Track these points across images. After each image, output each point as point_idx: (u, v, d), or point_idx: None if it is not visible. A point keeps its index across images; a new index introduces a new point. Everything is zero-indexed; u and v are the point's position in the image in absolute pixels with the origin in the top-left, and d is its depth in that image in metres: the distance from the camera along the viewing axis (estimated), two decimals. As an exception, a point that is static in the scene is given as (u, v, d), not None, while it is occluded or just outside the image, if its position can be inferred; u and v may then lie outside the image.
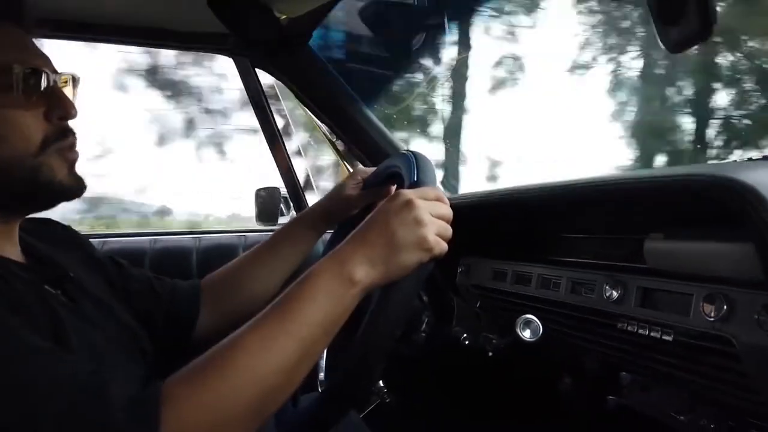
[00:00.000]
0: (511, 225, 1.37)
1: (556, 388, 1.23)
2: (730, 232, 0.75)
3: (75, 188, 0.77)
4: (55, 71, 0.77)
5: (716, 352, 0.79)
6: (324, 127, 1.60)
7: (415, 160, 0.82)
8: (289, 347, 0.63)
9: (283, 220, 1.76)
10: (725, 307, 0.77)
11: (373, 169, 1.07)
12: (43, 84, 0.73)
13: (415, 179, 0.78)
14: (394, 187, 1.05)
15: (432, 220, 0.70)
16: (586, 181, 0.98)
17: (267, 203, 1.77)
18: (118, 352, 0.80)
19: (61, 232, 0.96)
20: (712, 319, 0.78)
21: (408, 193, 0.72)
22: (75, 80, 0.81)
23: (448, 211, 0.73)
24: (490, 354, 1.10)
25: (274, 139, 1.70)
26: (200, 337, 1.05)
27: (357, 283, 0.67)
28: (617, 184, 0.90)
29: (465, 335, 1.09)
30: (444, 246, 0.71)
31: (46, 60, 0.76)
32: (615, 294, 0.96)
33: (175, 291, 1.04)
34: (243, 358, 0.62)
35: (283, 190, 1.78)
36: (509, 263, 1.28)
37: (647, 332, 0.89)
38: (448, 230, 0.73)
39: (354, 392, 0.72)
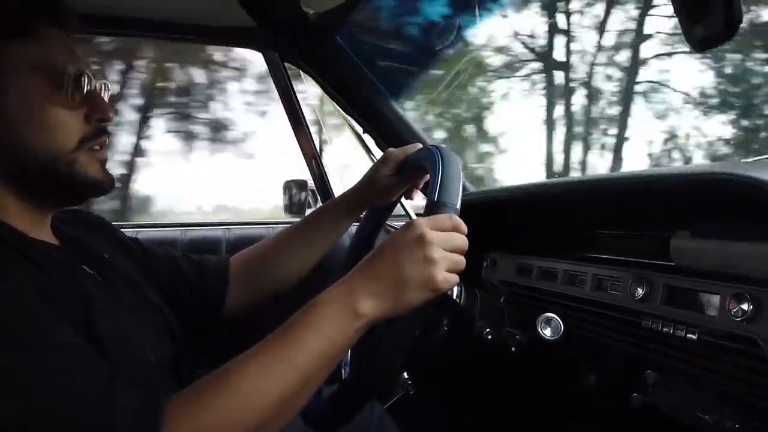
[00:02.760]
0: (538, 221, 1.36)
1: (579, 385, 1.22)
2: (758, 231, 0.74)
3: (106, 184, 0.81)
4: (95, 76, 0.80)
5: (742, 352, 0.78)
6: (352, 121, 1.61)
7: (441, 167, 0.81)
8: (290, 376, 0.65)
9: (310, 212, 1.78)
10: (751, 307, 0.76)
11: (403, 149, 1.06)
12: (87, 87, 0.77)
13: (435, 199, 0.77)
14: (425, 179, 1.05)
15: (443, 257, 0.70)
16: (613, 177, 0.97)
17: (295, 195, 1.80)
18: (150, 333, 0.83)
19: (92, 219, 1.00)
20: (738, 319, 0.77)
21: (422, 224, 0.71)
22: (108, 87, 0.85)
23: (462, 243, 0.73)
24: (513, 349, 1.10)
25: (302, 133, 1.72)
26: (229, 315, 1.08)
27: (362, 317, 0.68)
28: (644, 182, 0.89)
29: (488, 330, 1.09)
30: (453, 281, 0.72)
31: (88, 65, 0.80)
32: (640, 291, 0.95)
33: (203, 268, 1.07)
34: (244, 384, 0.63)
35: (311, 183, 1.80)
36: (535, 259, 1.27)
37: (672, 331, 0.88)
38: (461, 264, 0.73)
39: (353, 408, 0.77)
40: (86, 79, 0.77)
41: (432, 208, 0.76)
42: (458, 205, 0.76)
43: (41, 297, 0.65)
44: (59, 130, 0.75)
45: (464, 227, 0.74)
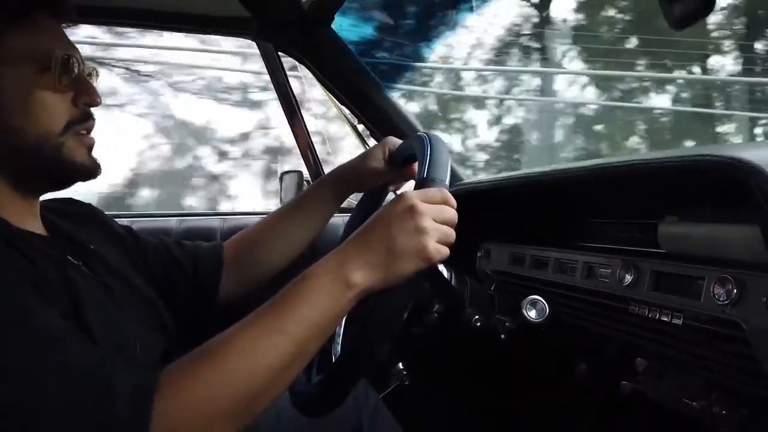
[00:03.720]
0: (530, 209, 1.36)
1: (570, 374, 1.23)
2: (743, 213, 0.74)
3: (92, 169, 0.82)
4: (83, 61, 0.81)
5: (726, 336, 0.78)
6: (346, 110, 1.61)
7: (429, 149, 0.81)
8: (283, 345, 0.64)
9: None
10: (735, 290, 0.75)
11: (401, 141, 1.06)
12: (75, 71, 0.78)
13: (425, 175, 0.78)
14: (415, 166, 1.05)
15: (434, 227, 0.70)
16: (599, 163, 0.97)
17: (291, 186, 1.80)
18: (138, 324, 0.83)
19: (83, 209, 0.99)
20: (722, 303, 0.77)
21: (412, 196, 0.71)
22: (97, 73, 0.85)
23: (452, 215, 0.73)
24: (503, 337, 1.10)
25: (297, 123, 1.72)
26: (224, 301, 1.07)
27: (354, 287, 0.68)
28: (630, 166, 0.89)
29: (477, 317, 1.09)
30: (444, 253, 0.71)
31: (76, 50, 0.81)
32: (628, 278, 0.95)
33: (196, 255, 1.07)
34: (236, 353, 0.63)
35: (306, 174, 1.80)
36: (527, 248, 1.27)
37: (658, 316, 0.88)
38: (451, 236, 0.72)
39: (344, 387, 0.76)
40: (74, 62, 0.78)
41: (422, 184, 0.76)
42: (447, 182, 0.76)
43: (30, 287, 0.66)
44: (46, 112, 0.76)
45: (454, 201, 0.74)
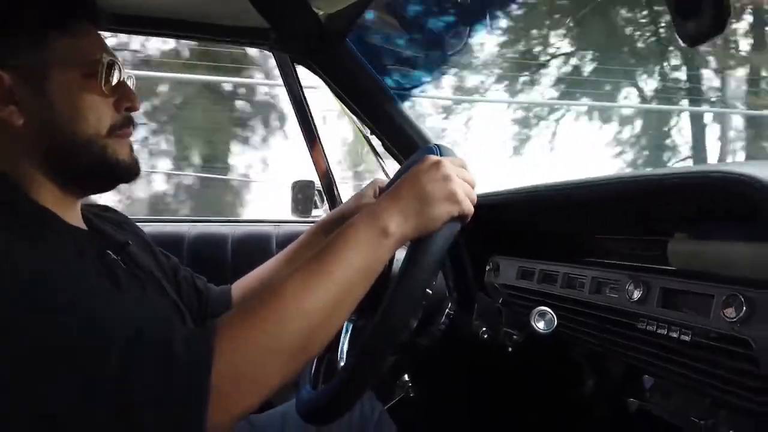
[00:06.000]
0: (539, 224, 1.37)
1: (577, 388, 1.22)
2: (753, 231, 0.74)
3: (134, 169, 0.86)
4: (123, 68, 0.85)
5: (734, 354, 0.78)
6: (360, 123, 1.63)
7: (438, 147, 0.85)
8: (330, 287, 0.68)
9: (316, 212, 1.81)
10: (745, 308, 0.75)
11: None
12: (117, 77, 0.82)
13: (440, 155, 0.82)
14: None
15: (459, 180, 0.75)
16: (609, 178, 0.98)
17: (302, 196, 1.82)
18: None
19: (118, 217, 1.04)
20: (731, 321, 0.77)
21: (435, 156, 0.77)
22: (134, 79, 0.90)
23: (472, 177, 0.78)
24: (510, 350, 1.10)
25: (311, 134, 1.74)
26: None
27: (391, 235, 0.72)
28: (639, 182, 0.90)
29: (484, 329, 1.09)
30: (471, 206, 0.76)
31: (117, 57, 0.85)
32: (637, 294, 0.95)
33: (209, 294, 1.11)
34: (288, 295, 0.66)
35: (318, 184, 1.82)
36: (537, 262, 1.28)
37: (666, 332, 0.88)
38: (473, 195, 0.77)
39: (378, 355, 0.74)
40: (117, 69, 0.82)
41: None
42: None
43: (83, 263, 0.72)
44: (94, 115, 0.80)
45: (469, 169, 0.79)
